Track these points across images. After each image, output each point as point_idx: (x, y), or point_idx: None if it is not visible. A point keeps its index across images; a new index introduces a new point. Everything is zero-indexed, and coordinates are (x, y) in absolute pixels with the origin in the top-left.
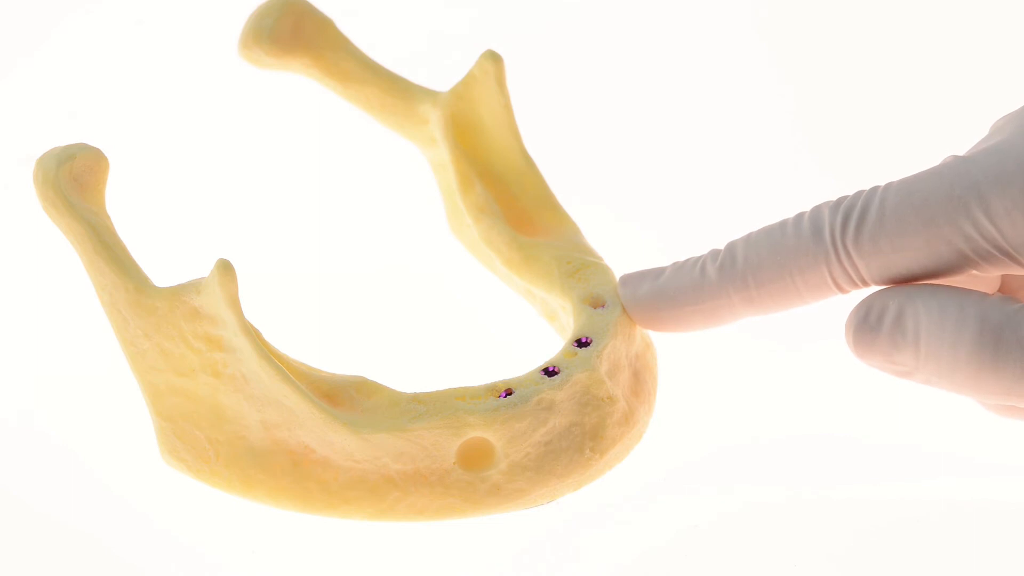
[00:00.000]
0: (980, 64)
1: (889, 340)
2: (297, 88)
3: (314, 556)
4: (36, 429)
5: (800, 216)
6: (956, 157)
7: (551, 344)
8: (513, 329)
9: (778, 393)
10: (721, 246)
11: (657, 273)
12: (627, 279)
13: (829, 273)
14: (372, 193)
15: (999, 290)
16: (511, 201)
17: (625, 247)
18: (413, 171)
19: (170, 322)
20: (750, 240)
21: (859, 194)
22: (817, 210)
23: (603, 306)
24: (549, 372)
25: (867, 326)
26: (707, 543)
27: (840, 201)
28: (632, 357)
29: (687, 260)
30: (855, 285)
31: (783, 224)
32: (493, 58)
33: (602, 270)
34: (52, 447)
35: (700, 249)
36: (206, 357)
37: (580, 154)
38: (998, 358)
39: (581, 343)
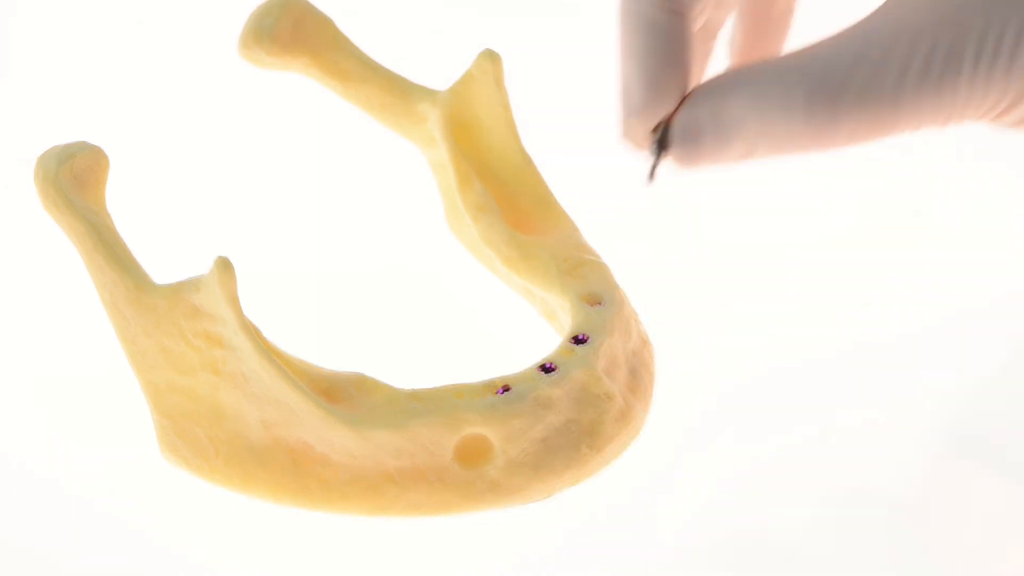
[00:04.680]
0: None
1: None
2: (297, 88)
3: (314, 555)
4: (36, 429)
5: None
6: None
7: (551, 344)
8: (513, 329)
9: (778, 391)
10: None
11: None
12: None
13: None
14: (372, 193)
15: None
16: (510, 200)
17: (624, 246)
18: (413, 171)
19: (170, 320)
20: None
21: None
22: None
23: (600, 303)
24: (546, 369)
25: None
26: (706, 542)
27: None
28: (629, 354)
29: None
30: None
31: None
32: (491, 57)
33: (599, 268)
34: (52, 447)
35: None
36: (206, 355)
37: (579, 154)
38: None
39: (578, 340)
